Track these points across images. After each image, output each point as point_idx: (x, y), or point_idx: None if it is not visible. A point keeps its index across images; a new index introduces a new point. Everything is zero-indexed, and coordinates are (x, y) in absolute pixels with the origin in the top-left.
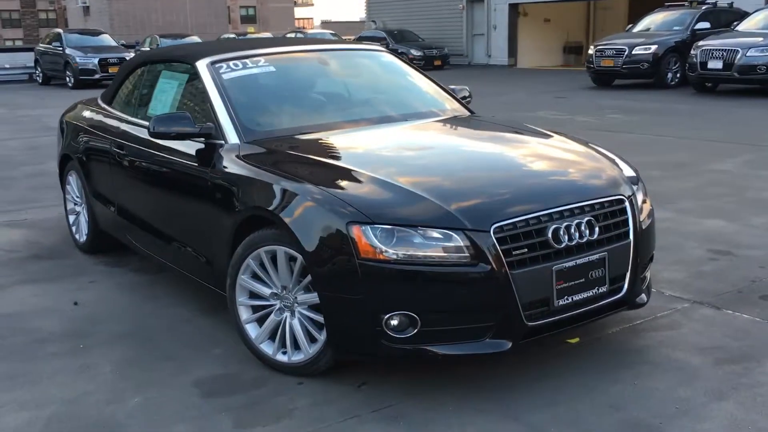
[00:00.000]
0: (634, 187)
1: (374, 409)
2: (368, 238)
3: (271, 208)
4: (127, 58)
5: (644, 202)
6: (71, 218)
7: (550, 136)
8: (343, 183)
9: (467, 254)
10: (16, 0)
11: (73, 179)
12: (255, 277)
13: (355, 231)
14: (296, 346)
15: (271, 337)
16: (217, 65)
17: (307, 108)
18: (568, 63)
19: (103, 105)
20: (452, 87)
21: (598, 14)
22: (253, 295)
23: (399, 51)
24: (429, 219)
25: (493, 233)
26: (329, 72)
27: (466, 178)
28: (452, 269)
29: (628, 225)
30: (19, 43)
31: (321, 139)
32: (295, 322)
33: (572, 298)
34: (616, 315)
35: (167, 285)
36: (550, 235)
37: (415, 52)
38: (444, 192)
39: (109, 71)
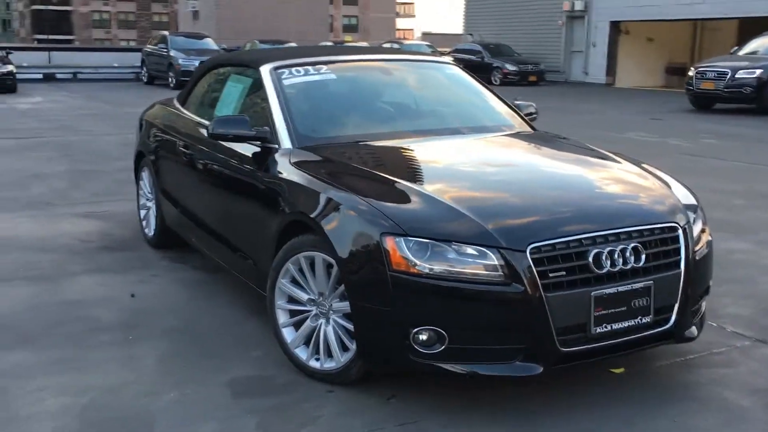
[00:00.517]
0: (692, 215)
1: (400, 423)
2: (401, 251)
3: (312, 215)
4: None
5: (703, 231)
6: (142, 213)
7: (608, 158)
8: (386, 194)
9: (501, 273)
10: (132, 3)
11: (145, 175)
12: (294, 281)
13: (389, 242)
14: (329, 353)
15: (306, 342)
16: (279, 71)
17: (364, 117)
18: (670, 84)
19: (177, 105)
20: (518, 103)
21: (705, 35)
22: (292, 299)
23: (493, 65)
24: (464, 235)
25: (530, 254)
26: (391, 82)
27: (512, 197)
28: (484, 287)
29: (679, 254)
30: (132, 44)
31: (373, 149)
32: (329, 330)
33: (612, 327)
34: (668, 347)
35: (224, 285)
36: (591, 259)
37: (510, 67)
38: (486, 209)
39: None
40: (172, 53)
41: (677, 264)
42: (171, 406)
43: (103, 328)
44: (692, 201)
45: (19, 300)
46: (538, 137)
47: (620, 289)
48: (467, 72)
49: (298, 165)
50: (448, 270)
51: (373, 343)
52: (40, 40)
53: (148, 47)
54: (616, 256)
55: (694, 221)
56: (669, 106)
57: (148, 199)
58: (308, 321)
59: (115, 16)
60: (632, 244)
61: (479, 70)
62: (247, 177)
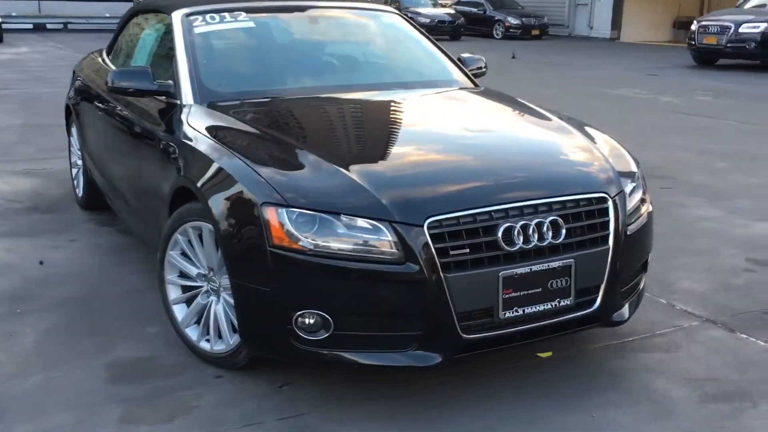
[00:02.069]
0: (629, 184)
1: (281, 417)
2: (283, 223)
3: (195, 180)
4: None
5: (642, 201)
6: (73, 171)
7: (545, 121)
8: (277, 160)
9: (394, 250)
10: None
11: (74, 131)
12: (184, 254)
13: (270, 214)
14: (219, 334)
15: (198, 321)
16: (191, 17)
17: (280, 70)
18: (677, 39)
19: (103, 55)
20: (466, 56)
21: None
22: (183, 274)
23: (495, 18)
24: (355, 207)
25: (428, 228)
26: (318, 31)
27: (420, 164)
28: (374, 267)
29: (608, 229)
30: None
31: (282, 108)
32: (219, 308)
33: (524, 310)
34: (608, 329)
35: (139, 251)
36: (500, 234)
37: (512, 20)
38: (386, 178)
39: None
40: None
41: (605, 239)
42: (30, 392)
43: None
44: (631, 168)
45: None
46: (472, 95)
47: (534, 268)
48: (409, 22)
49: (194, 124)
50: (335, 247)
51: (253, 327)
52: None
53: None
54: (530, 231)
55: (632, 191)
56: (671, 61)
57: (78, 157)
58: (199, 298)
59: None
60: (551, 218)
61: (481, 23)
62: (148, 135)
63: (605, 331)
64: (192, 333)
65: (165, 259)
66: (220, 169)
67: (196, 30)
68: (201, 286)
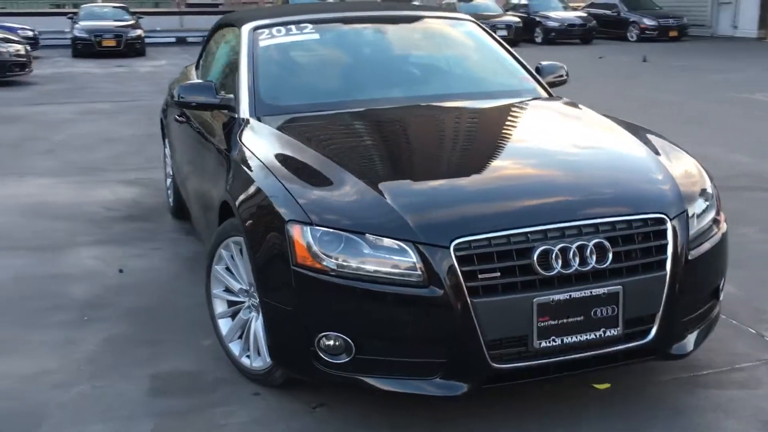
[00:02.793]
0: (698, 204)
1: None
2: (307, 242)
3: (234, 194)
4: None
5: (715, 221)
6: (168, 181)
7: (612, 134)
8: (309, 175)
9: (418, 273)
10: None
11: (166, 141)
12: (228, 269)
13: (295, 231)
14: (258, 351)
15: (241, 336)
16: (258, 31)
17: (337, 82)
18: None
19: (191, 68)
20: (544, 64)
21: None
22: (229, 289)
23: (630, 20)
24: (380, 227)
25: (454, 250)
26: (384, 42)
27: (453, 180)
28: (395, 289)
29: (665, 253)
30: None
31: (330, 120)
32: (258, 325)
33: (563, 340)
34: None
35: None
36: (535, 257)
37: (647, 22)
38: (414, 195)
39: None
40: None
41: (661, 264)
42: (73, 401)
43: (66, 306)
44: (703, 186)
45: (7, 271)
46: (539, 106)
47: (574, 295)
48: (485, 30)
49: (244, 138)
50: (358, 268)
51: (279, 346)
52: (189, 5)
53: None
54: (570, 254)
55: (704, 210)
56: None
57: (170, 167)
58: (241, 313)
59: None
60: (595, 240)
61: (614, 25)
62: (211, 148)
63: (675, 363)
64: (235, 348)
65: (211, 273)
66: (254, 185)
67: (261, 43)
68: (243, 302)
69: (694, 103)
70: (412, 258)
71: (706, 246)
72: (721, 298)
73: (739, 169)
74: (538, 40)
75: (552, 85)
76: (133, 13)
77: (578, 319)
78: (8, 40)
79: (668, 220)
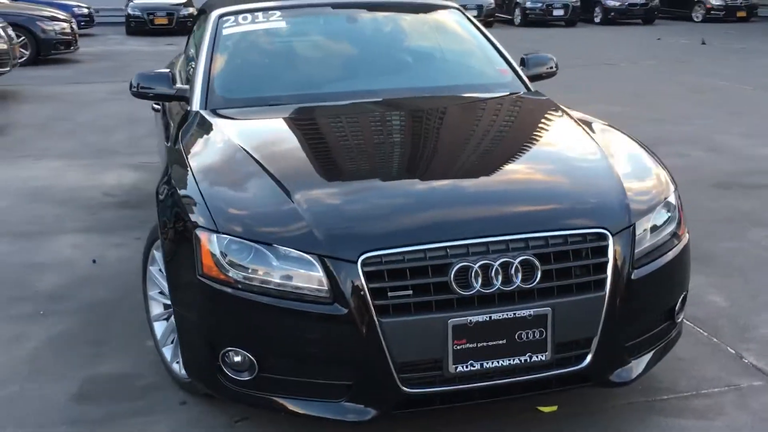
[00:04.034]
0: (651, 218)
1: None
2: (213, 252)
3: (157, 194)
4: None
5: (674, 235)
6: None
7: (568, 135)
8: (229, 179)
9: (323, 288)
10: None
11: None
12: (161, 270)
13: (203, 239)
14: None
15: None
16: (224, 18)
17: (294, 74)
18: None
19: (180, 56)
20: (530, 56)
21: None
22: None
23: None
24: (286, 237)
25: (362, 265)
26: (352, 32)
27: (372, 187)
28: (300, 306)
29: (605, 271)
30: None
31: (273, 116)
32: None
33: (482, 365)
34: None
35: None
36: (452, 275)
37: (714, 1)
38: (326, 204)
39: None
40: None
41: (600, 284)
42: None
43: (28, 298)
44: (662, 196)
45: None
46: (502, 105)
47: (495, 317)
48: (469, 19)
49: (184, 132)
50: (264, 281)
51: (189, 358)
52: None
53: None
54: (492, 272)
55: (663, 223)
56: None
57: None
58: (172, 317)
59: None
60: (522, 258)
61: (679, 4)
62: (164, 142)
63: (634, 386)
64: (167, 353)
65: (146, 273)
66: (173, 185)
67: (224, 31)
68: None
69: (741, 90)
70: (319, 272)
71: (659, 263)
72: (679, 319)
73: (766, 165)
74: (597, 20)
75: (540, 77)
76: None
77: (500, 342)
78: (54, 18)
79: (610, 235)
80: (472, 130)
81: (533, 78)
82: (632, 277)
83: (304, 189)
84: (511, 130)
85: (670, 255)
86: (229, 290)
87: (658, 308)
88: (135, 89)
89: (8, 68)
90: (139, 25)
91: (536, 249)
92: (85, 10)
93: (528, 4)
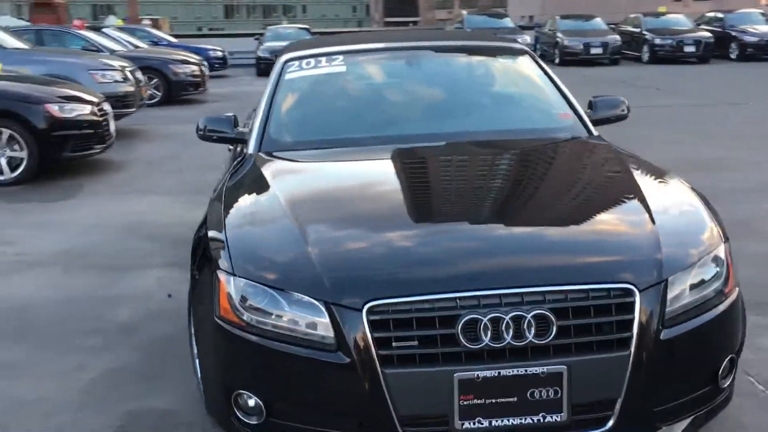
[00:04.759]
0: (692, 274)
1: None
2: (229, 294)
3: (195, 234)
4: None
5: (721, 293)
6: None
7: (612, 185)
8: (255, 221)
9: (328, 335)
10: None
11: None
12: None
13: (221, 281)
14: None
15: None
16: (289, 63)
17: (348, 118)
18: None
19: None
20: (599, 98)
21: None
22: None
23: None
24: (297, 283)
25: (367, 314)
26: (412, 76)
27: (389, 234)
28: (305, 352)
29: (630, 329)
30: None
31: (321, 160)
32: None
33: (491, 422)
34: None
35: None
36: (459, 327)
37: None
38: (339, 250)
39: None
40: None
41: (624, 343)
42: None
43: (100, 330)
44: (708, 251)
45: (66, 291)
46: (553, 149)
47: (504, 372)
48: (536, 62)
49: (233, 173)
50: (275, 326)
51: (208, 396)
52: (388, 23)
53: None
54: (503, 326)
55: (706, 280)
56: None
57: None
58: None
59: None
60: (535, 312)
61: None
62: None
63: None
64: None
65: (191, 312)
66: (206, 225)
67: (287, 76)
68: None
69: None
70: (325, 319)
71: (696, 322)
72: (725, 384)
73: None
74: (733, 56)
75: (608, 121)
76: (313, 34)
77: (510, 399)
78: (186, 61)
79: (637, 291)
80: (507, 177)
81: (602, 121)
82: (661, 336)
83: (321, 234)
84: (551, 176)
85: (712, 314)
86: (241, 333)
87: (695, 371)
88: (201, 132)
89: (134, 109)
90: (269, 67)
91: (553, 303)
92: (219, 53)
93: (657, 41)
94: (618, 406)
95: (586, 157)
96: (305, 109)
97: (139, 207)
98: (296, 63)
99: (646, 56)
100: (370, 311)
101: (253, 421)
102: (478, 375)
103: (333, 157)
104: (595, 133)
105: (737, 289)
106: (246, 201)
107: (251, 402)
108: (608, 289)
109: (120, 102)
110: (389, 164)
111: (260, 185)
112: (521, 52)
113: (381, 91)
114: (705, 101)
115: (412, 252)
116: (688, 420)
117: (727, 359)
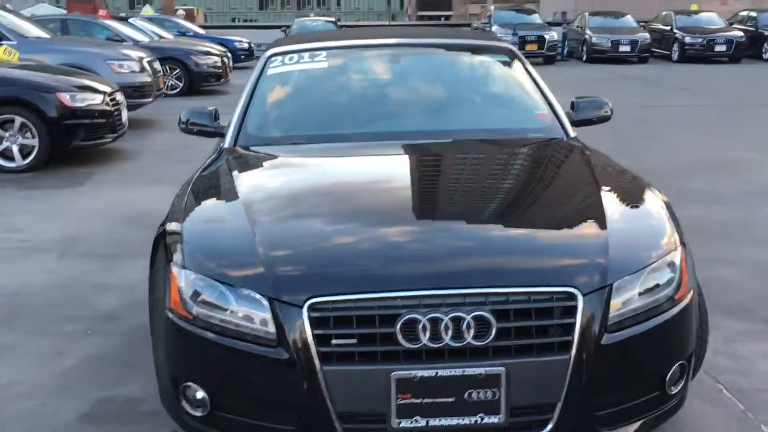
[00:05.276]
0: (641, 279)
1: None
2: (179, 287)
3: (158, 228)
4: (547, 37)
5: (669, 299)
6: None
7: (575, 187)
8: (212, 216)
9: (269, 330)
10: None
11: None
12: None
13: (173, 274)
14: None
15: None
16: (272, 58)
17: (322, 114)
18: None
19: None
20: (581, 99)
21: None
22: None
23: None
24: (243, 277)
25: (307, 310)
26: (391, 73)
27: (336, 231)
28: (247, 347)
29: (571, 333)
30: None
31: (290, 155)
32: None
33: (428, 422)
34: None
35: None
36: (398, 327)
37: None
38: (285, 245)
39: (526, 48)
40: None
41: (565, 347)
42: (14, 416)
43: (84, 317)
44: (664, 256)
45: (58, 276)
46: (523, 150)
47: (442, 372)
48: (520, 61)
49: (204, 168)
50: (222, 320)
51: (161, 388)
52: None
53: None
54: (442, 326)
55: (656, 286)
56: None
57: None
58: None
59: None
60: (475, 313)
61: None
62: None
63: None
64: None
65: None
66: (168, 218)
67: (268, 71)
68: None
69: None
70: (267, 315)
71: (641, 327)
72: (674, 390)
73: None
74: (766, 56)
75: (590, 122)
76: (340, 27)
77: (448, 400)
78: (208, 52)
79: (579, 295)
80: (464, 178)
81: (583, 123)
82: (603, 341)
83: (270, 230)
84: (509, 178)
85: (659, 319)
86: (188, 327)
87: (640, 377)
88: (183, 125)
89: (150, 99)
90: None
91: (494, 305)
92: (245, 45)
93: (687, 39)
94: (558, 409)
95: (551, 160)
96: (283, 105)
97: (144, 196)
98: (279, 58)
99: (675, 55)
100: (310, 308)
101: (199, 413)
102: (415, 375)
103: (304, 153)
104: (572, 134)
105: (690, 294)
106: (208, 195)
107: (198, 394)
108: (550, 293)
109: (136, 92)
110: (352, 162)
111: (225, 180)
112: (505, 51)
113: (358, 88)
114: (732, 102)
115: (356, 250)
116: (636, 425)
117: (676, 365)
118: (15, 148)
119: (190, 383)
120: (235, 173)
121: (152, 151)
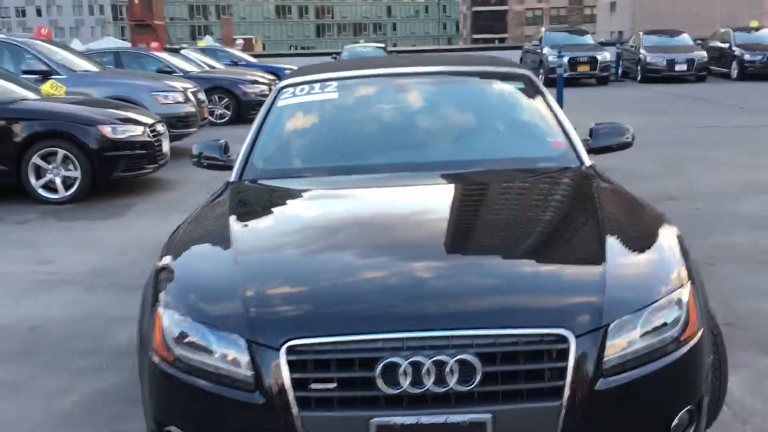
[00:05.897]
0: (642, 319)
1: None
2: (163, 328)
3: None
4: (599, 57)
5: (674, 339)
6: None
7: (578, 222)
8: (201, 254)
9: (247, 374)
10: None
11: None
12: None
13: (158, 316)
14: None
15: None
16: (284, 89)
17: (328, 146)
18: None
19: None
20: (600, 126)
21: None
22: None
23: None
24: (222, 318)
25: (285, 353)
26: (402, 103)
27: (319, 270)
28: (225, 391)
29: (563, 378)
30: None
31: (292, 189)
32: None
33: None
34: None
35: None
36: (378, 371)
37: None
38: (267, 287)
39: (578, 69)
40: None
41: (555, 392)
42: None
43: (98, 352)
44: (669, 295)
45: (85, 309)
46: (524, 180)
47: (424, 420)
48: (536, 88)
49: (207, 202)
50: (202, 363)
51: (149, 428)
52: (476, 40)
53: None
54: (425, 370)
55: (660, 326)
56: None
57: None
58: None
59: (547, 12)
60: (459, 357)
61: None
62: None
63: None
64: None
65: None
66: (161, 254)
67: (278, 103)
68: None
69: None
70: (245, 357)
71: (641, 371)
72: None
73: None
74: None
75: (609, 150)
76: (389, 52)
77: None
78: (256, 81)
79: (572, 338)
80: (459, 213)
81: (602, 150)
82: (597, 386)
83: (252, 269)
84: (507, 213)
85: (662, 362)
86: (169, 369)
87: (641, 425)
88: (196, 159)
89: (195, 129)
90: None
91: (480, 348)
92: None
93: (746, 56)
94: None
95: (557, 192)
96: (290, 137)
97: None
98: (290, 90)
99: (734, 73)
100: (288, 350)
101: None
102: (395, 422)
103: (305, 187)
104: (588, 162)
105: (700, 334)
106: (201, 232)
107: None
108: (540, 335)
109: (181, 122)
110: (350, 195)
111: (221, 216)
112: (521, 77)
113: (368, 120)
114: None
115: (337, 291)
116: None
117: (683, 411)
118: (58, 180)
119: (171, 427)
120: (232, 208)
121: (194, 180)
